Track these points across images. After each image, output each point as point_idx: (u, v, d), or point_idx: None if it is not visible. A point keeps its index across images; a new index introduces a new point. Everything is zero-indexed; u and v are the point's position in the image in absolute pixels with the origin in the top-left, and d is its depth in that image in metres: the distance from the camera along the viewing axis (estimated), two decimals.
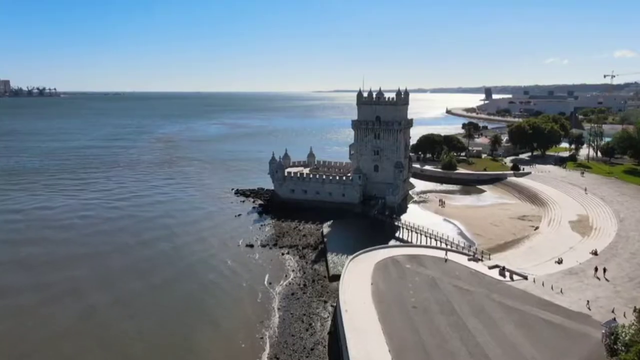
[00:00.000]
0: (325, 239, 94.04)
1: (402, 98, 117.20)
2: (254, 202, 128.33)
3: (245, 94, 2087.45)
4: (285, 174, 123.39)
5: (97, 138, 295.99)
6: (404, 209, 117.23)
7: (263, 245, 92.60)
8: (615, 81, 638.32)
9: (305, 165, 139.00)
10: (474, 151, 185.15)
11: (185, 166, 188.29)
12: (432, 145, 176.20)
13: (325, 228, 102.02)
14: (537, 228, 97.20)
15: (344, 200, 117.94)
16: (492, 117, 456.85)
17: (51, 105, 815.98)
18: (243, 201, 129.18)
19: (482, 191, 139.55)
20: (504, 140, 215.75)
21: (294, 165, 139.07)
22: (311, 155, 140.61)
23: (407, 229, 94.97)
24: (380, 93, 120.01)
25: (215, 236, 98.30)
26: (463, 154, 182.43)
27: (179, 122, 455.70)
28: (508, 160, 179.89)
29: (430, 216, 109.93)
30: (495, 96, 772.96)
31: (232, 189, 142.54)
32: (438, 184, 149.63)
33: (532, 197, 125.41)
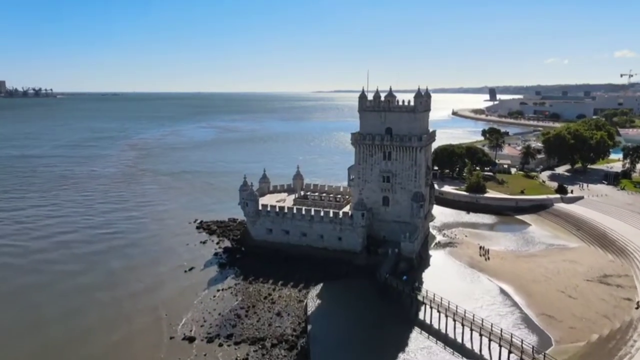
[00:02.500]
0: (309, 327, 59.67)
1: (423, 102, 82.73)
2: (218, 243, 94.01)
3: (246, 95, 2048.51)
4: (260, 207, 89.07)
5: (64, 145, 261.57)
6: (425, 261, 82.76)
7: (210, 339, 57.99)
8: (620, 81, 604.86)
9: (290, 191, 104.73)
10: (505, 166, 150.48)
11: (148, 183, 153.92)
12: (451, 158, 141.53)
13: (312, 299, 67.82)
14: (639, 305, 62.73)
15: (340, 247, 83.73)
16: (503, 119, 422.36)
17: (41, 106, 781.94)
18: (204, 242, 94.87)
19: (525, 224, 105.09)
20: (532, 146, 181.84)
21: (275, 191, 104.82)
22: (298, 176, 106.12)
23: (437, 310, 60.39)
24: (390, 95, 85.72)
25: (142, 322, 63.36)
26: (487, 168, 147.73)
27: (166, 124, 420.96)
28: (545, 177, 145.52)
29: (466, 275, 75.41)
30: (499, 96, 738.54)
31: (196, 221, 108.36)
32: (463, 212, 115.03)
33: (601, 239, 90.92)
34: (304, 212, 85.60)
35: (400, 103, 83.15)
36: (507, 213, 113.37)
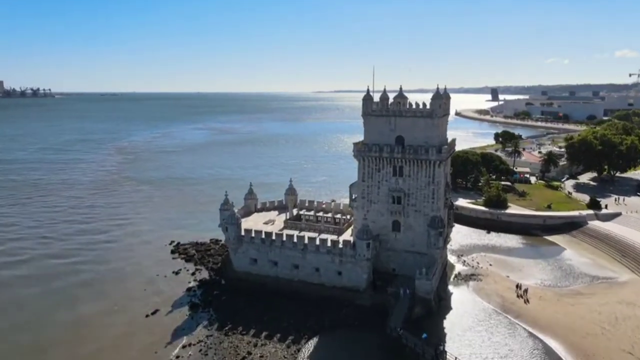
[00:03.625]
0: None
1: (442, 105, 67.00)
2: (194, 274, 78.48)
3: (245, 94, 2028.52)
4: (242, 232, 73.48)
5: (48, 148, 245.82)
6: (446, 302, 67.02)
7: None
8: (623, 80, 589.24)
9: (280, 208, 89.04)
10: (526, 176, 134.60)
11: (127, 193, 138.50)
12: (465, 167, 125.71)
13: None
14: None
15: (340, 283, 68.19)
16: (509, 120, 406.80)
17: (37, 106, 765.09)
18: (178, 272, 79.28)
19: (557, 247, 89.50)
20: (544, 150, 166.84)
21: (263, 209, 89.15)
22: (291, 190, 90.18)
23: None
24: (400, 96, 70.44)
25: None
26: (503, 177, 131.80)
27: (160, 126, 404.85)
28: (569, 187, 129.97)
29: (500, 325, 59.57)
30: (501, 96, 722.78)
31: (172, 243, 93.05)
32: (482, 232, 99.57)
33: None
34: (295, 239, 69.97)
35: (414, 106, 67.56)
36: (534, 233, 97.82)
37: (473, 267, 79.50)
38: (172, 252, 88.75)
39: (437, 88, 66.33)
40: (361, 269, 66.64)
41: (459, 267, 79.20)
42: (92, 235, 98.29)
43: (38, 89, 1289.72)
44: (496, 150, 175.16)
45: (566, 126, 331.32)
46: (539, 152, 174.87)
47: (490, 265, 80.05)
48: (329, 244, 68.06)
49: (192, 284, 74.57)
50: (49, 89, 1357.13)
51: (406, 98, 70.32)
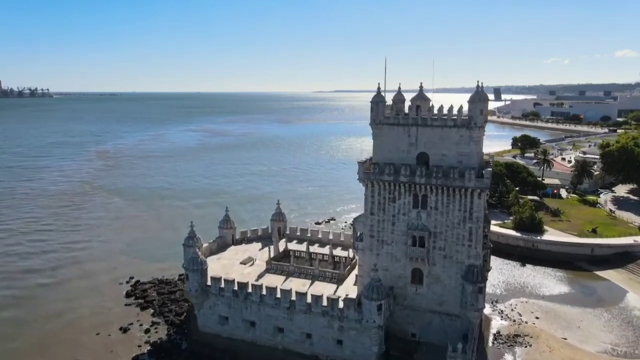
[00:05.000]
0: None
1: (484, 110, 47.91)
2: (148, 331, 59.67)
3: (246, 94, 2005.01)
4: (208, 281, 54.52)
5: (22, 152, 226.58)
6: None
7: None
8: (623, 80, 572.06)
9: (265, 239, 70.02)
10: (560, 192, 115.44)
11: (94, 210, 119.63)
12: None
13: None
14: None
15: (341, 356, 49.35)
16: (517, 121, 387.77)
17: (31, 106, 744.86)
18: (127, 328, 60.36)
19: (615, 288, 70.77)
20: (566, 157, 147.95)
21: (242, 241, 70.02)
22: (278, 216, 71.20)
23: None
24: (421, 97, 52.03)
25: None
26: (531, 192, 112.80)
27: (152, 127, 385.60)
28: (609, 202, 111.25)
29: None
30: (506, 96, 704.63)
31: (130, 279, 74.55)
32: (515, 265, 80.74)
33: None
34: (279, 293, 51.05)
35: (440, 112, 48.58)
36: (581, 266, 79.00)
37: (515, 321, 60.80)
38: (128, 294, 70.10)
39: (477, 86, 47.43)
40: (370, 339, 47.76)
41: (496, 323, 60.43)
42: (33, 275, 78.21)
43: (36, 89, 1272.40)
44: (514, 157, 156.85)
45: (579, 128, 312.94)
46: (562, 159, 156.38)
47: (537, 318, 61.39)
48: (324, 302, 49.19)
49: (143, 348, 55.88)
50: (47, 89, 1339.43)
51: (429, 100, 51.93)
